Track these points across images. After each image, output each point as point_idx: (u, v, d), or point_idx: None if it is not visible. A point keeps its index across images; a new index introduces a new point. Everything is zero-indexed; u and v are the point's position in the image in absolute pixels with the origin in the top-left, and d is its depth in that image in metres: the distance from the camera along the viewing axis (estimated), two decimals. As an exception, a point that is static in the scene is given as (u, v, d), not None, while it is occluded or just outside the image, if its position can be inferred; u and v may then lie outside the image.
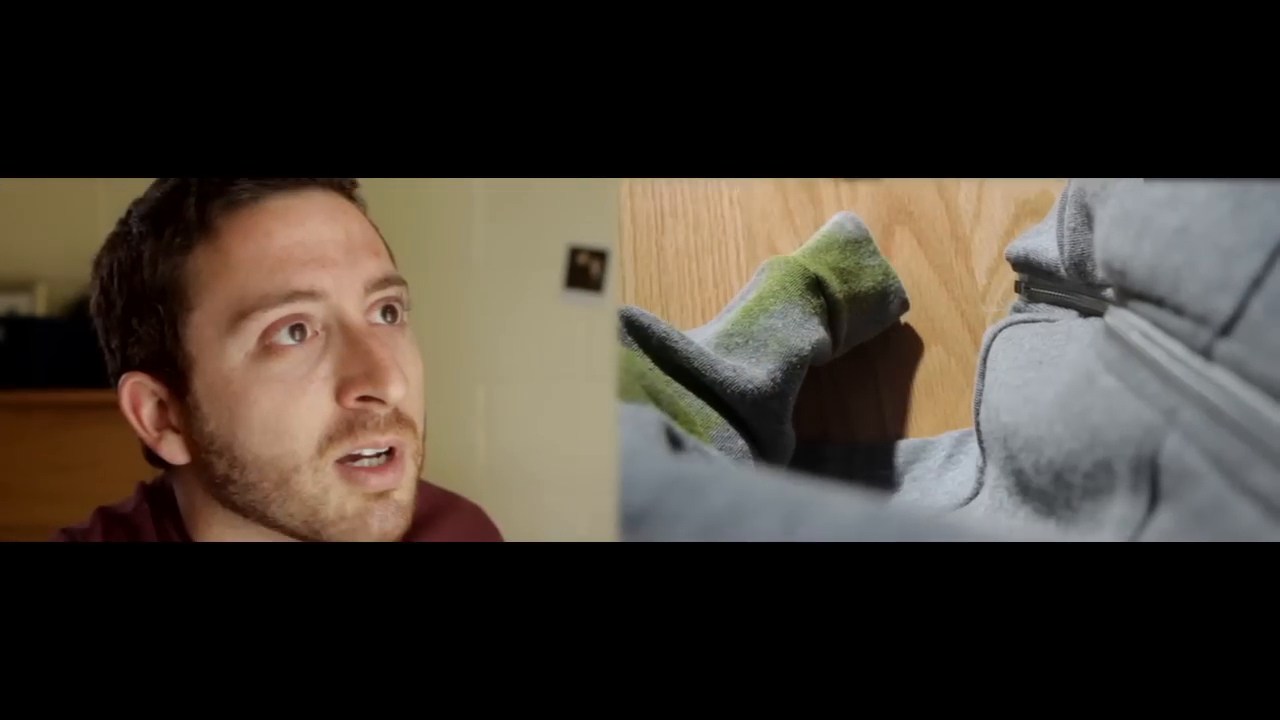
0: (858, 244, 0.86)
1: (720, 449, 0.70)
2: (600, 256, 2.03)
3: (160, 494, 0.65)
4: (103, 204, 1.70)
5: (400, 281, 0.62)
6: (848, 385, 0.88)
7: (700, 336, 0.76)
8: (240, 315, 0.57)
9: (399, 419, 0.59)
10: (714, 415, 0.71)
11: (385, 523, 0.59)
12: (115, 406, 0.61)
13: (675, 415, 0.69)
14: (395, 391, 0.58)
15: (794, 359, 0.76)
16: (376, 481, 0.59)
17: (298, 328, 0.58)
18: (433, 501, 0.71)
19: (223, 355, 0.58)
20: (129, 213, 0.62)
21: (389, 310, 0.61)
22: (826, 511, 0.43)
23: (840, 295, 0.82)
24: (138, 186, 0.64)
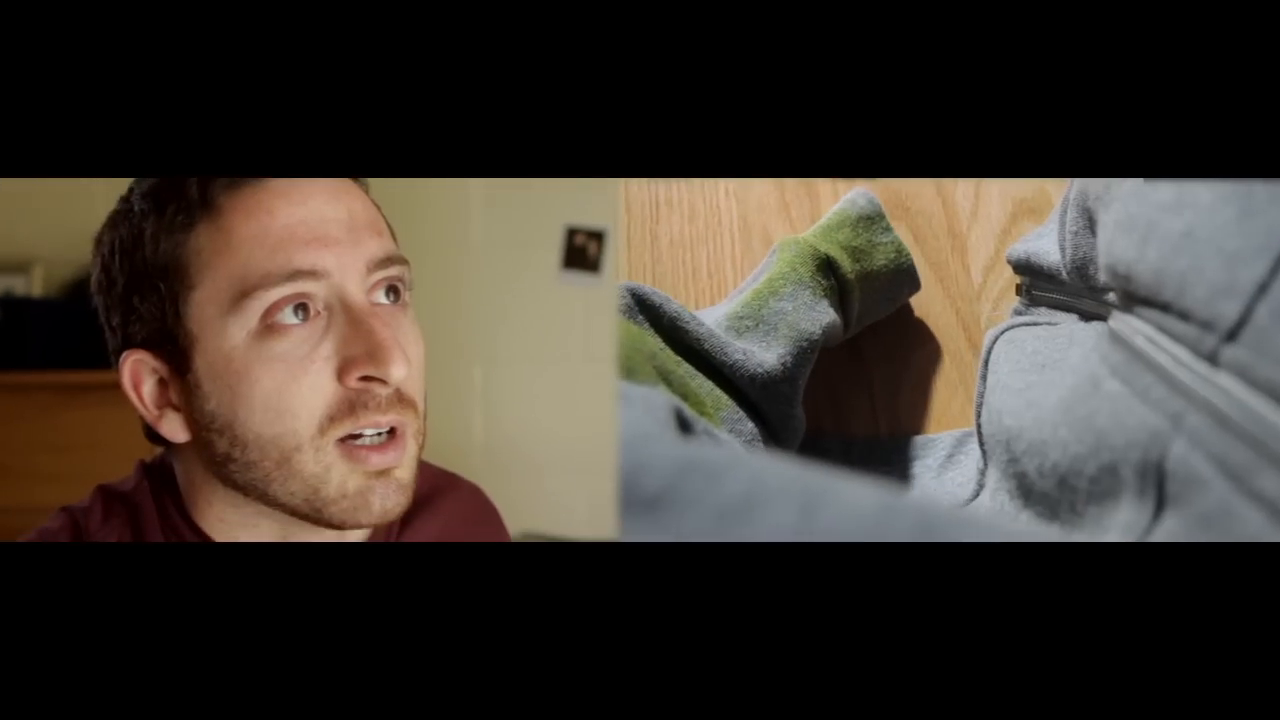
0: (870, 221, 0.85)
1: (730, 431, 0.70)
2: (597, 237, 2.03)
3: (160, 472, 0.65)
4: (99, 185, 1.69)
5: (403, 261, 0.62)
6: (840, 381, 0.88)
7: (710, 318, 0.76)
8: (242, 294, 0.57)
9: (400, 399, 0.59)
10: (724, 397, 0.71)
11: (386, 500, 0.59)
12: (113, 387, 0.62)
13: (685, 396, 0.69)
14: (397, 371, 0.58)
15: (804, 343, 0.75)
16: (378, 460, 0.59)
17: (300, 307, 0.58)
18: (432, 481, 0.71)
19: (224, 334, 0.58)
20: (131, 190, 0.62)
21: (391, 290, 0.61)
22: (842, 500, 0.43)
23: (851, 275, 0.82)
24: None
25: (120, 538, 0.64)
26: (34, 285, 1.90)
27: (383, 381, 0.58)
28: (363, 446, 0.59)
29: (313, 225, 0.59)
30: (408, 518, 0.66)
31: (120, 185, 0.64)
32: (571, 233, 2.03)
